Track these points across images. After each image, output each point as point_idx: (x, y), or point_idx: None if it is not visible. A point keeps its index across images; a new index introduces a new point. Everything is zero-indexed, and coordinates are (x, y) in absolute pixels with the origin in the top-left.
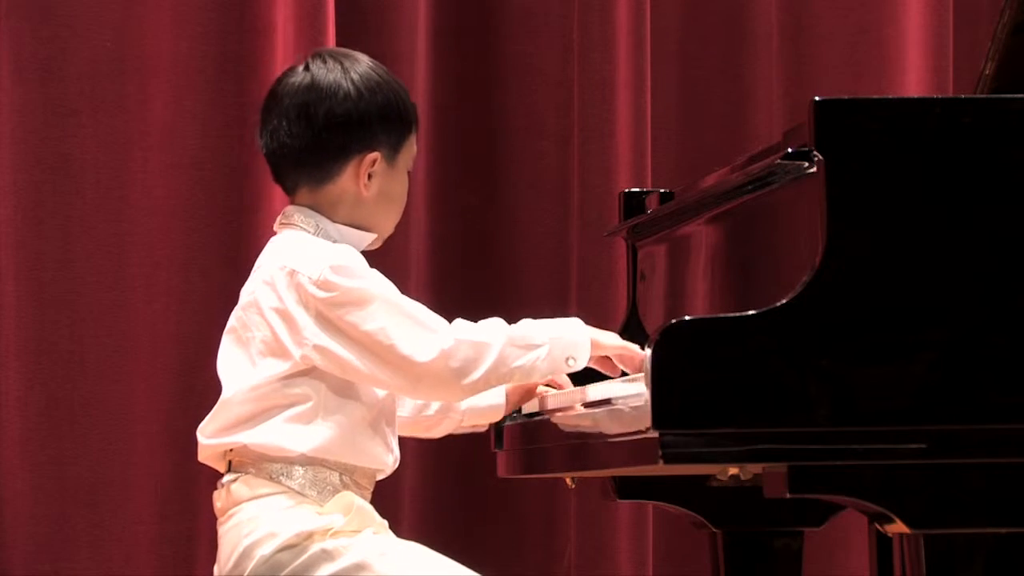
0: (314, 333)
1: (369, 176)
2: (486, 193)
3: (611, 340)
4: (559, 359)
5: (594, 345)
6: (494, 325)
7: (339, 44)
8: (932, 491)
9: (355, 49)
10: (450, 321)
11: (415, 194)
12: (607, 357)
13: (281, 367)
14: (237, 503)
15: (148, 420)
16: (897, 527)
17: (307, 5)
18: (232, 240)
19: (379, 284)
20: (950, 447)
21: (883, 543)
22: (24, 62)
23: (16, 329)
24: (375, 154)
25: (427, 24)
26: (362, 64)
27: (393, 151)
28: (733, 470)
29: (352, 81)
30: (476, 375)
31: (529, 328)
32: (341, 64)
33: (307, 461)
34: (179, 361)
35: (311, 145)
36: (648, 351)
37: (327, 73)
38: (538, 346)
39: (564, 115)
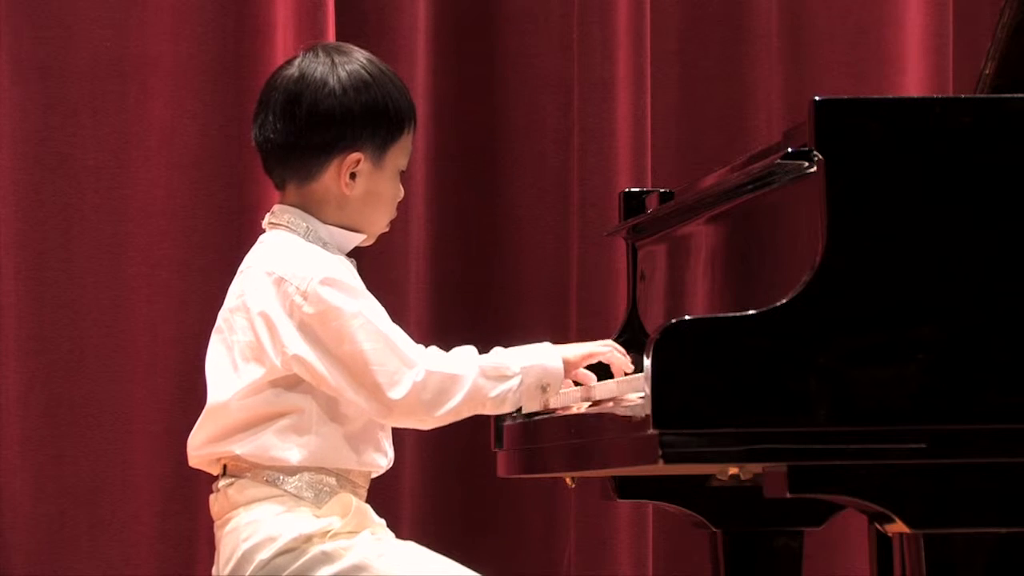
0: (294, 342)
1: (353, 176)
2: (486, 193)
3: (578, 352)
4: (532, 387)
5: (566, 365)
6: (466, 356)
7: None
8: (932, 491)
9: None
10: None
11: (415, 194)
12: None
13: (262, 373)
14: (234, 507)
15: (148, 420)
16: (897, 527)
17: (307, 5)
18: (232, 240)
19: (365, 305)
20: (950, 447)
21: (883, 543)
22: (24, 62)
23: (16, 329)
24: (357, 155)
25: (427, 24)
26: (355, 60)
27: (379, 151)
28: (733, 470)
29: (339, 77)
30: (447, 407)
31: (501, 358)
32: (332, 59)
33: (303, 468)
34: (179, 361)
35: (294, 142)
36: (647, 353)
37: (316, 68)
38: (510, 377)
39: (564, 115)
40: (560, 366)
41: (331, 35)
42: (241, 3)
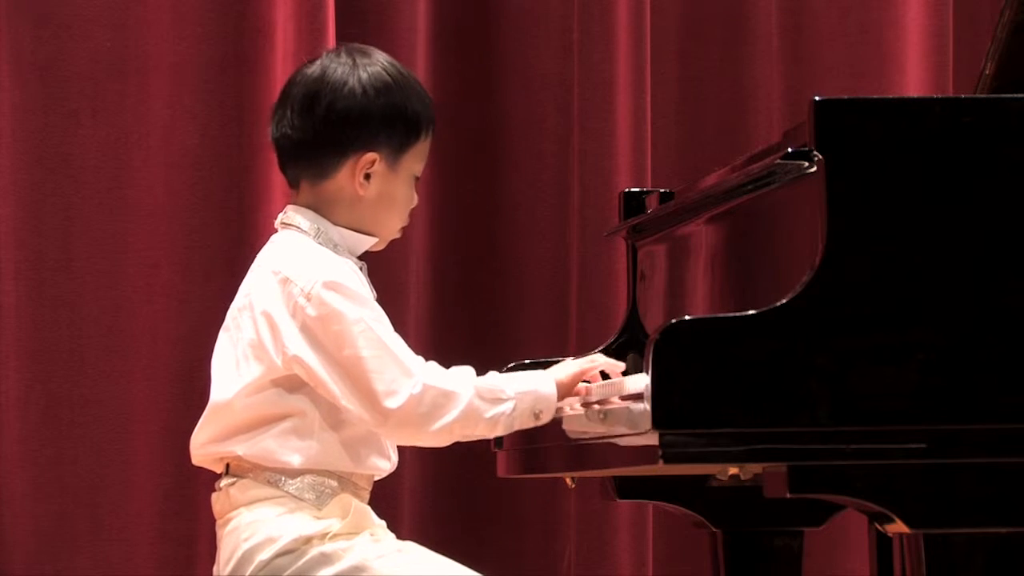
0: (295, 343)
1: (368, 177)
2: (486, 194)
3: (569, 373)
4: (526, 413)
5: (559, 389)
6: (464, 375)
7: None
8: (932, 491)
9: None
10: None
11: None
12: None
13: (262, 371)
14: (236, 507)
15: (148, 420)
16: (897, 527)
17: (307, 5)
18: (232, 240)
19: (367, 311)
20: (950, 447)
21: (883, 543)
22: (24, 62)
23: (16, 329)
24: (372, 155)
25: (427, 24)
26: (376, 63)
27: (395, 154)
28: (733, 470)
29: (359, 78)
30: (441, 423)
31: (497, 381)
32: (354, 60)
33: (305, 471)
34: (179, 361)
35: (310, 138)
36: (647, 354)
37: (337, 68)
38: (504, 400)
39: (564, 115)
40: (554, 391)
41: (331, 35)
42: (241, 3)
